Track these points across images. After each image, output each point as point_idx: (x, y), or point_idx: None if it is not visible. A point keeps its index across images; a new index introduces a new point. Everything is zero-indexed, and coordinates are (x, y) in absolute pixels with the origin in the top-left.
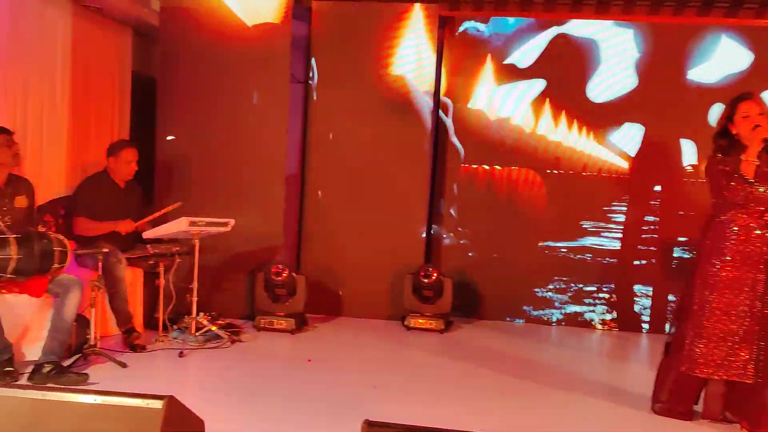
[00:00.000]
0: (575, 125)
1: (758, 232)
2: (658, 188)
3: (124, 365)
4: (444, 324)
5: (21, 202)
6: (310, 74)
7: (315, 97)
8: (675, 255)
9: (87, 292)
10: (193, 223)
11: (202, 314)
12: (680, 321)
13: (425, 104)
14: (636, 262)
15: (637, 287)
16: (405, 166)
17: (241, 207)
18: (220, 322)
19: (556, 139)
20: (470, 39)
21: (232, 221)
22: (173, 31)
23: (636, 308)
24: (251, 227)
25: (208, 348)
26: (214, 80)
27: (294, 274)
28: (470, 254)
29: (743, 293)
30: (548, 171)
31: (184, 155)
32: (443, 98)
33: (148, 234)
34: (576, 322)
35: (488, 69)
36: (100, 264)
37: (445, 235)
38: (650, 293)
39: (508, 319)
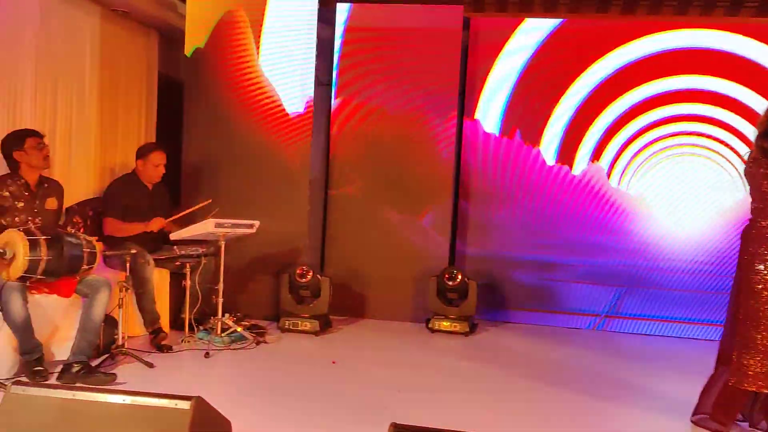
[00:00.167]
0: None
1: None
2: None
3: (151, 365)
4: (469, 326)
5: (51, 203)
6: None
7: (339, 99)
8: None
9: (115, 293)
10: (219, 225)
11: (227, 315)
12: (726, 332)
13: (448, 105)
14: None
15: None
16: (429, 168)
17: (266, 208)
18: (245, 323)
19: None
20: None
21: (257, 223)
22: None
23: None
24: (276, 229)
25: (234, 349)
26: (240, 82)
27: (318, 275)
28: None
29: None
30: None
31: (210, 157)
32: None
33: (174, 235)
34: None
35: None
36: (128, 265)
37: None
38: None
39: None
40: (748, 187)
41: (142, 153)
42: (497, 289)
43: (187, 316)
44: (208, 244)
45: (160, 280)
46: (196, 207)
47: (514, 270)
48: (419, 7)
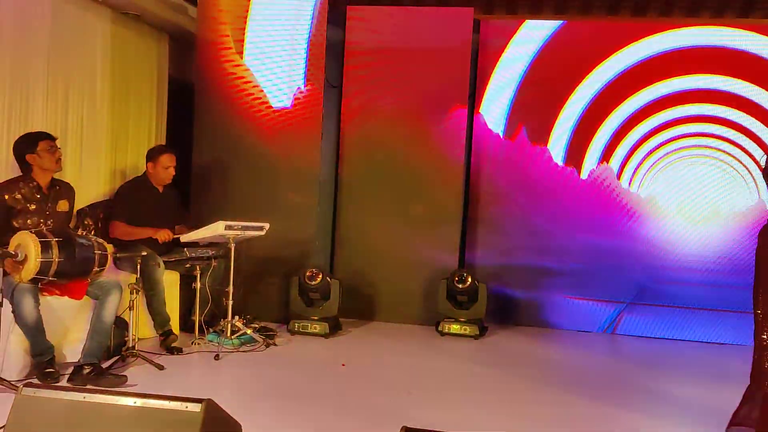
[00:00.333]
0: None
1: None
2: None
3: (161, 367)
4: (479, 329)
5: (63, 206)
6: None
7: (349, 101)
8: None
9: (126, 295)
10: (229, 227)
11: (237, 317)
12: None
13: (460, 109)
14: None
15: None
16: (439, 170)
17: (276, 211)
18: (255, 325)
19: None
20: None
21: (267, 225)
22: (210, 37)
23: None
24: (286, 231)
25: (243, 351)
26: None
27: (328, 278)
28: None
29: None
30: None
31: (221, 160)
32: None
33: (185, 238)
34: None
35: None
36: (138, 267)
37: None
38: None
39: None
40: (766, 189)
41: (152, 155)
42: (507, 292)
43: (197, 318)
44: (219, 246)
45: (170, 282)
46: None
47: (525, 272)
48: (429, 10)
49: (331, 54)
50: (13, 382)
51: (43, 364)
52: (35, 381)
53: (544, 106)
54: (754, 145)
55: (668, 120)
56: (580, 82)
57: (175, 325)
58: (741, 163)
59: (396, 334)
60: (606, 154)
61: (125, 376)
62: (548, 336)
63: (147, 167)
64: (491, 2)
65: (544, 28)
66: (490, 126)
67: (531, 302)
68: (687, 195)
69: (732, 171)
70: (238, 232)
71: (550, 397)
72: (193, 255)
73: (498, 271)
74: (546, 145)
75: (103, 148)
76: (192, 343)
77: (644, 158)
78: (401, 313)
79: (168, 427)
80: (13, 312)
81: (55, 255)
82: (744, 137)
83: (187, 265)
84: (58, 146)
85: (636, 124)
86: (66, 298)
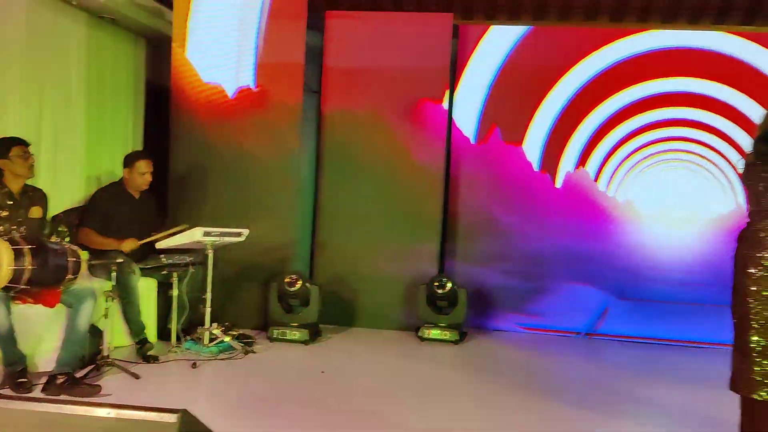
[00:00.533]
0: None
1: None
2: None
3: (137, 376)
4: (459, 334)
5: (35, 212)
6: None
7: (328, 107)
8: None
9: (100, 303)
10: (206, 233)
11: (215, 325)
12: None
13: (438, 114)
14: None
15: None
16: (418, 175)
17: (254, 217)
18: (233, 332)
19: None
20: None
21: (246, 231)
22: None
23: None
24: (265, 237)
25: (222, 359)
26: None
27: (307, 284)
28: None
29: None
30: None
31: (198, 165)
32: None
33: (161, 244)
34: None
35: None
36: (113, 274)
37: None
38: None
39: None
40: (744, 193)
41: (128, 161)
42: (486, 297)
43: (174, 326)
44: (196, 252)
45: (146, 289)
46: (171, 231)
47: (503, 277)
48: (409, 15)
49: (310, 59)
50: None
51: (16, 374)
52: (7, 391)
53: (520, 109)
54: (732, 149)
55: (646, 123)
56: (555, 83)
57: (151, 333)
58: (718, 167)
59: (376, 340)
60: (583, 158)
61: (99, 386)
62: (528, 341)
63: (123, 173)
64: (470, 8)
65: (512, 33)
66: (468, 132)
67: (511, 307)
68: (665, 199)
69: (709, 175)
70: (216, 239)
71: (529, 402)
72: (170, 262)
73: (477, 276)
74: (521, 145)
75: (79, 153)
76: (169, 352)
77: (621, 162)
78: (381, 318)
79: None
80: None
81: (28, 263)
82: (721, 141)
83: (164, 272)
84: (32, 152)
85: (612, 128)
86: (39, 306)
